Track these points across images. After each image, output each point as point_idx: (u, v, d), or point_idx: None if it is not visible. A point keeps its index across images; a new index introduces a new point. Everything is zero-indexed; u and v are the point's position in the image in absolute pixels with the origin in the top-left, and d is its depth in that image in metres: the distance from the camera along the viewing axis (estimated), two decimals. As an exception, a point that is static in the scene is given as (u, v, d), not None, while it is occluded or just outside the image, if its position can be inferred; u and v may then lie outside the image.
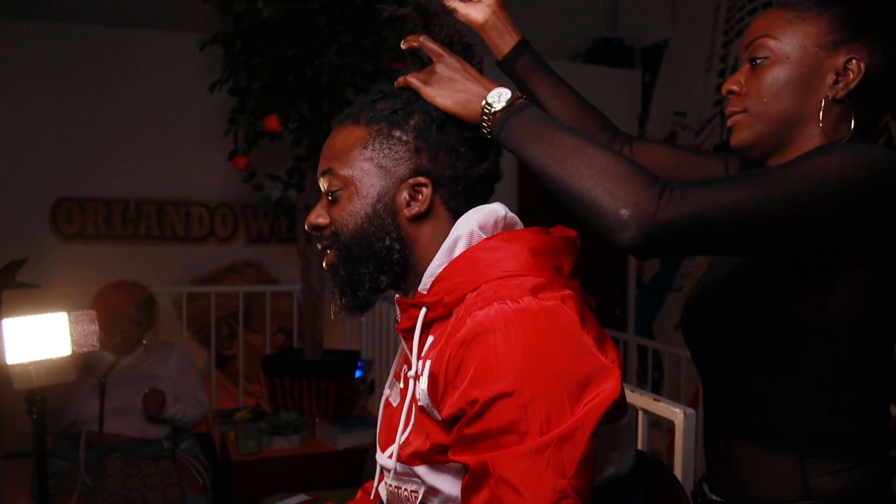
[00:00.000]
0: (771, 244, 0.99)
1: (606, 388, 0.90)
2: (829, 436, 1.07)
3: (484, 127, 1.06)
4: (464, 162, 1.09)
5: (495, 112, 1.04)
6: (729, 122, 1.18)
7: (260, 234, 4.68)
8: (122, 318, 3.07)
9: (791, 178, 0.96)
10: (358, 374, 3.91)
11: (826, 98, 1.09)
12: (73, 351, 2.11)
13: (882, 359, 1.09)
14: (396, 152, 1.07)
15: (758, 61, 1.13)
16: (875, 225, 0.99)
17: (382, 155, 1.07)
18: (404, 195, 1.07)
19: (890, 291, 1.04)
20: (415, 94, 1.11)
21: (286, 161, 3.78)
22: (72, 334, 2.10)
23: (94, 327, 2.13)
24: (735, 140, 1.17)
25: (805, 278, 1.04)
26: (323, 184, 1.12)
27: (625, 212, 0.92)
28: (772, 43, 1.12)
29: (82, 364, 2.91)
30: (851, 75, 1.08)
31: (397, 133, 1.08)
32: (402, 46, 1.16)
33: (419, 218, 1.07)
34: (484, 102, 1.05)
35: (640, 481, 1.08)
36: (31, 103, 4.14)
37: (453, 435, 0.95)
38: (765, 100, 1.12)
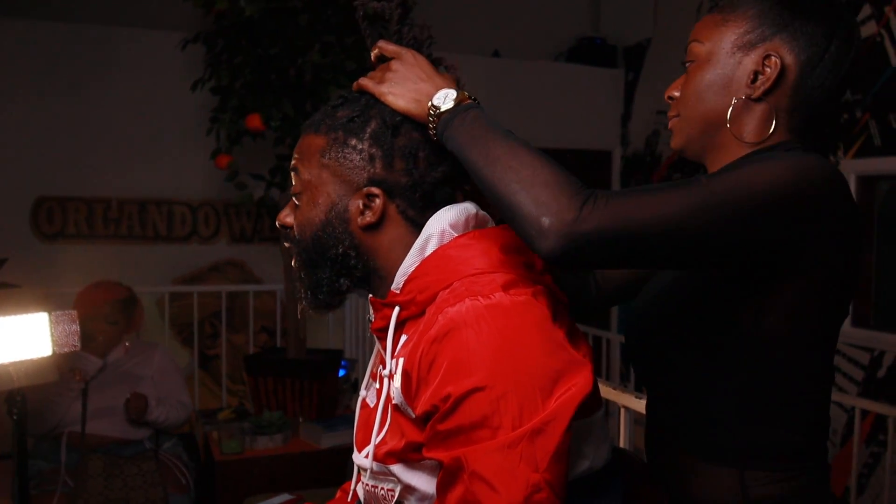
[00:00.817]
0: (698, 256, 0.97)
1: (578, 383, 0.91)
2: (769, 447, 1.06)
3: (430, 128, 1.04)
4: (422, 167, 1.08)
5: (440, 113, 1.02)
6: (669, 126, 1.20)
7: (243, 234, 4.66)
8: (96, 317, 3.04)
9: (720, 188, 0.94)
10: (341, 372, 3.90)
11: (741, 98, 1.09)
12: (53, 351, 2.09)
13: (821, 370, 1.08)
14: (351, 161, 1.07)
15: (687, 66, 1.15)
16: (804, 236, 0.97)
17: (338, 164, 1.07)
18: (358, 204, 1.07)
19: (824, 302, 1.03)
20: (374, 99, 1.10)
21: (269, 160, 3.77)
22: (52, 334, 2.08)
23: (76, 327, 2.11)
24: (672, 144, 1.19)
25: (742, 287, 1.03)
26: (292, 180, 1.13)
27: (545, 220, 0.89)
28: (698, 47, 1.13)
29: (65, 365, 2.89)
30: (769, 72, 1.07)
31: (353, 141, 1.07)
32: (372, 58, 1.15)
33: (372, 227, 1.07)
34: (430, 104, 1.03)
35: (615, 476, 1.08)
36: (11, 102, 4.10)
37: (427, 432, 0.95)
38: (690, 103, 1.14)
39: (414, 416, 0.97)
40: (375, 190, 1.06)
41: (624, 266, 0.99)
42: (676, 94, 1.17)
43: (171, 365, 3.26)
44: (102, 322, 3.06)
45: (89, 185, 4.30)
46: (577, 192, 0.90)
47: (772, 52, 1.07)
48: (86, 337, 3.04)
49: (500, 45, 5.18)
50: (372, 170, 1.06)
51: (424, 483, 1.01)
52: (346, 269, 1.09)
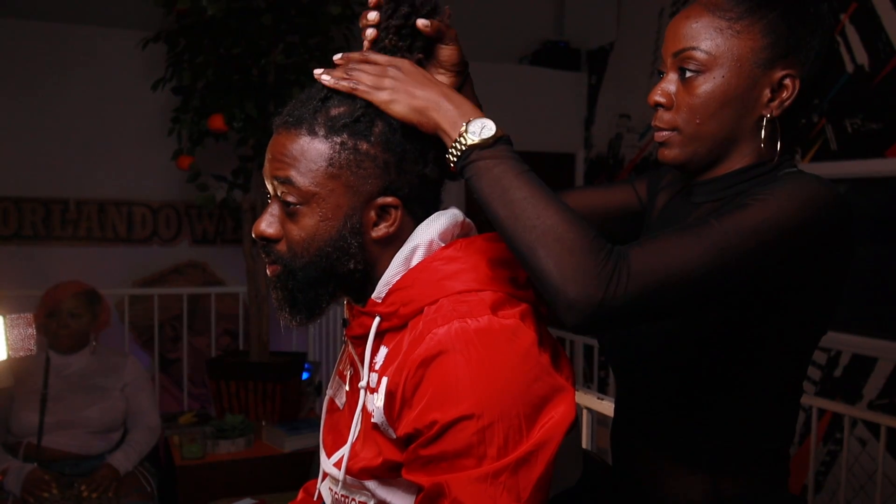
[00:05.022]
0: (717, 300, 0.98)
1: (561, 411, 0.91)
2: (743, 455, 1.08)
3: (450, 156, 0.98)
4: (430, 166, 1.02)
5: (470, 145, 0.95)
6: (657, 138, 1.11)
7: (205, 235, 4.61)
8: (59, 312, 2.95)
9: (734, 233, 0.92)
10: (305, 375, 3.88)
11: (763, 116, 1.05)
12: (8, 355, 2.05)
13: (797, 384, 1.11)
14: (365, 169, 0.97)
15: (688, 74, 1.06)
16: (809, 271, 0.98)
17: (350, 173, 0.97)
18: (371, 215, 1.00)
19: (811, 325, 1.05)
20: None
21: (231, 161, 3.73)
22: (7, 338, 2.04)
23: (31, 331, 2.07)
24: (667, 157, 1.11)
25: (733, 310, 1.04)
26: (277, 190, 1.00)
27: (572, 294, 0.88)
28: (704, 57, 1.04)
29: (21, 370, 2.81)
30: (786, 93, 1.04)
31: (364, 146, 0.97)
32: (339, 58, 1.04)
33: (387, 239, 1.01)
34: (461, 131, 0.95)
35: (587, 489, 1.09)
36: (-35, 100, 4.01)
37: (408, 454, 0.93)
38: (697, 120, 1.06)
39: (395, 436, 0.96)
40: (392, 200, 0.99)
41: (650, 322, 0.99)
42: (664, 101, 1.09)
43: (143, 379, 3.13)
44: (65, 316, 2.97)
45: (46, 185, 4.22)
46: (601, 262, 0.89)
47: (789, 72, 1.04)
48: (50, 335, 2.97)
49: (465, 48, 5.15)
50: (387, 177, 0.99)
51: (399, 499, 1.00)
52: (351, 282, 1.03)
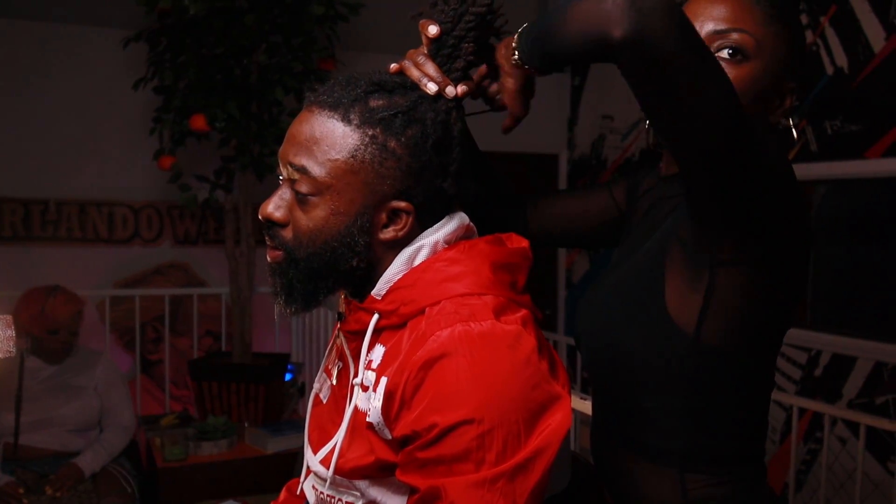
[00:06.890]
0: (693, 133, 0.91)
1: (558, 418, 0.91)
2: (709, 451, 1.08)
3: (514, 52, 1.10)
4: (450, 181, 1.01)
5: (518, 35, 1.09)
6: None
7: (187, 236, 4.58)
8: (61, 329, 2.95)
9: (757, 126, 0.94)
10: (288, 377, 3.87)
11: (776, 119, 1.09)
12: (-12, 357, 2.03)
13: (762, 377, 1.10)
14: (387, 168, 0.96)
15: (727, 54, 1.05)
16: (780, 230, 0.98)
17: (371, 169, 0.95)
18: (382, 217, 0.98)
19: (769, 310, 1.05)
20: (419, 99, 1.00)
21: (213, 161, 3.71)
22: (-13, 340, 2.02)
23: (11, 332, 2.05)
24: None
25: (687, 289, 1.03)
26: (290, 174, 0.98)
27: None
28: (747, 39, 1.05)
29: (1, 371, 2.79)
30: (787, 104, 1.09)
31: (392, 144, 0.95)
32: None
33: (395, 242, 1.00)
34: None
35: (575, 492, 1.09)
36: (-57, 99, 3.96)
37: (403, 456, 0.93)
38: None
39: (390, 437, 0.95)
40: (406, 206, 0.98)
41: (641, 89, 0.92)
42: None
43: (116, 377, 3.14)
44: (66, 333, 2.98)
45: (26, 185, 4.18)
46: None
47: (794, 86, 1.06)
48: (45, 349, 2.95)
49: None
50: (406, 182, 0.97)
51: (390, 499, 1.00)
52: (351, 279, 1.03)
